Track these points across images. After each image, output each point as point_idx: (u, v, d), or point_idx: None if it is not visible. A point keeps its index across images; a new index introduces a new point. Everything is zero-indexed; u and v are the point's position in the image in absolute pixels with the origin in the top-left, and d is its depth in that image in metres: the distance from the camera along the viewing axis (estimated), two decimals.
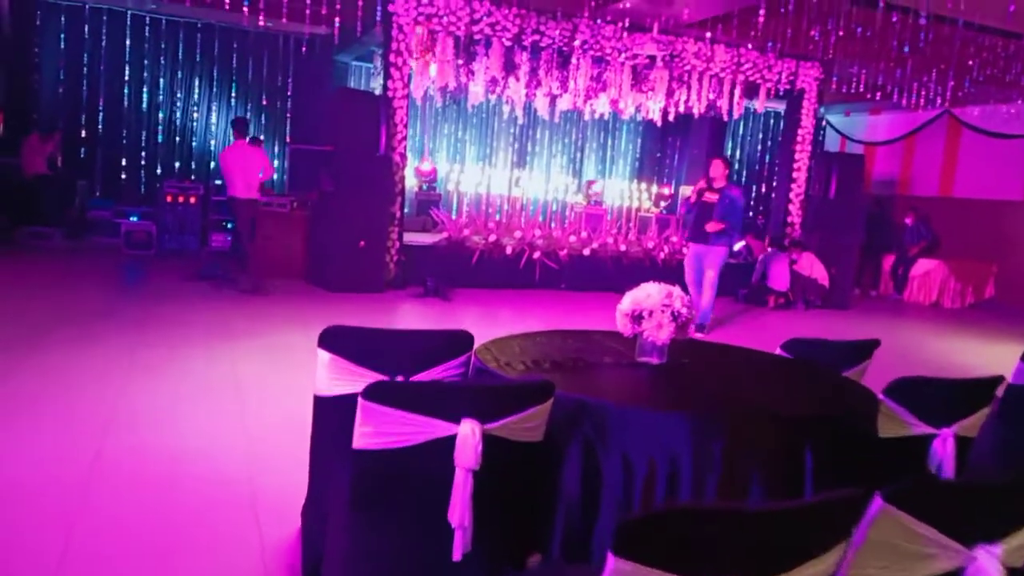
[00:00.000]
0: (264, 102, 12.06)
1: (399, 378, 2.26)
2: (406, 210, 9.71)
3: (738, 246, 10.70)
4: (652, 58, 9.93)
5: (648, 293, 2.34)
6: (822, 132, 15.43)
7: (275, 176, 10.66)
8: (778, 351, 2.87)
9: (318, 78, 11.81)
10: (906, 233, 12.95)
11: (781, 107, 14.38)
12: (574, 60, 9.84)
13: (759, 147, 15.69)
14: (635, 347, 2.49)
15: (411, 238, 9.48)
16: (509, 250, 9.62)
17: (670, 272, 10.56)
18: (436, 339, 2.36)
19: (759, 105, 10.80)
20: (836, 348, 2.84)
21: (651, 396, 2.32)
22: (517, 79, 9.89)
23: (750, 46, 9.97)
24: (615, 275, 10.26)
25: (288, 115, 12.14)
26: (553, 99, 11.66)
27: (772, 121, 15.54)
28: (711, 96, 10.60)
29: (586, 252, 10.07)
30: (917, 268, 12.74)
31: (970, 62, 10.11)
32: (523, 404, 1.83)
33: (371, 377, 2.25)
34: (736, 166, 15.12)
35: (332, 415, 2.28)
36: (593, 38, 9.73)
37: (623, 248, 10.30)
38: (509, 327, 7.74)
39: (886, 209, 13.62)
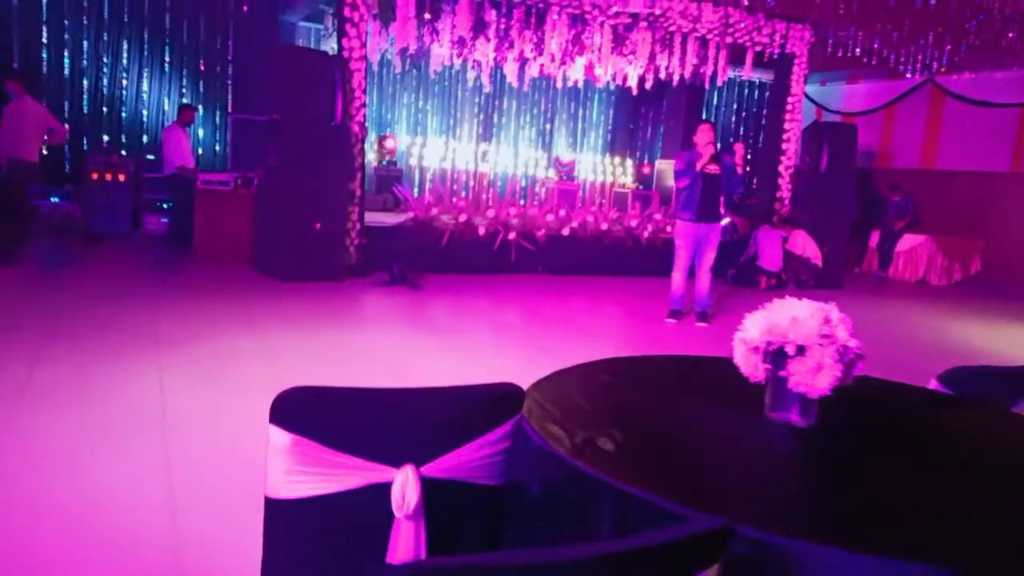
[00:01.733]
0: (202, 67, 10.83)
1: (408, 467, 1.38)
2: (365, 187, 8.71)
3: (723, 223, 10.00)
4: (634, 17, 9.04)
5: (794, 316, 1.48)
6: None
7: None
8: (934, 384, 2.05)
9: (262, 40, 10.60)
10: (891, 208, 12.42)
11: (760, 77, 13.71)
12: (549, 19, 8.90)
13: (733, 118, 14.98)
14: (762, 394, 1.63)
15: (372, 219, 8.49)
16: (482, 231, 8.71)
17: (654, 253, 9.79)
18: (464, 400, 1.48)
19: (746, 71, 10.03)
20: (1011, 377, 2.03)
21: (817, 512, 1.36)
22: (487, 39, 8.91)
23: (739, 4, 9.16)
24: (596, 256, 9.47)
25: (229, 82, 10.93)
26: (523, 64, 10.72)
27: (747, 91, 14.84)
28: (694, 61, 9.78)
29: (565, 232, 9.22)
30: (902, 244, 12.24)
31: (967, 25, 9.49)
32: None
33: (362, 470, 1.37)
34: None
35: (296, 528, 1.39)
36: None
37: (604, 227, 9.47)
38: (490, 320, 6.93)
39: (869, 182, 13.07)
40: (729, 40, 9.44)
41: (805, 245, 9.71)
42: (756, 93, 14.94)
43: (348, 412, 1.42)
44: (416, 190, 11.75)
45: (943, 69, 9.83)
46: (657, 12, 8.97)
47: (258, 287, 7.09)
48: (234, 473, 2.99)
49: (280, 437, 1.39)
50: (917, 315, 8.67)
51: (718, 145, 6.74)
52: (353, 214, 7.91)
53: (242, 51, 10.77)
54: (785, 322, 1.48)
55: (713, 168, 6.59)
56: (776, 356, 1.51)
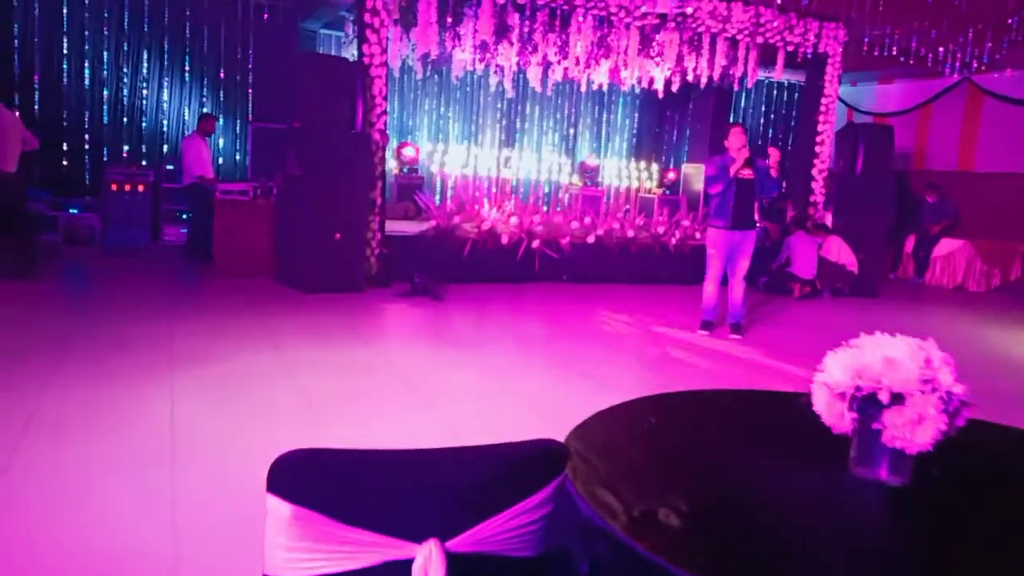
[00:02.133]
0: (222, 76, 10.73)
1: (431, 541, 1.16)
2: (386, 196, 8.52)
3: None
4: (662, 18, 8.78)
5: (888, 357, 1.23)
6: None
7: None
8: None
9: (282, 48, 10.51)
10: (927, 211, 12.01)
11: (790, 78, 13.36)
12: (574, 21, 8.67)
13: (762, 120, 14.63)
14: (847, 446, 1.37)
15: (393, 228, 8.30)
16: (505, 239, 8.48)
17: (683, 261, 9.50)
18: (496, 461, 1.24)
19: (777, 72, 9.71)
20: None
21: None
22: (510, 43, 8.70)
23: (771, 3, 8.87)
24: (622, 264, 9.20)
25: (249, 90, 10.82)
26: (546, 68, 10.50)
27: (776, 93, 14.49)
28: (723, 63, 9.50)
29: (590, 240, 8.97)
30: (939, 249, 11.81)
31: (1009, 20, 9.11)
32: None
33: (377, 546, 1.15)
34: None
35: None
36: None
37: (630, 234, 9.21)
38: (514, 334, 6.65)
39: (904, 185, 12.66)
40: (760, 40, 9.14)
41: (840, 251, 9.37)
42: (785, 95, 14.60)
43: (360, 478, 1.19)
44: (437, 198, 11.60)
45: (983, 67, 9.45)
46: (686, 12, 8.70)
47: (278, 299, 6.91)
48: (246, 521, 2.79)
49: (280, 508, 1.17)
50: (958, 324, 8.29)
51: (751, 149, 6.46)
52: (374, 223, 7.73)
53: (262, 59, 10.67)
54: (878, 364, 1.23)
55: (747, 173, 6.31)
56: (866, 403, 1.26)
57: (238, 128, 10.85)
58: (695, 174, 12.82)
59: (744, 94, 13.73)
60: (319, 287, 7.17)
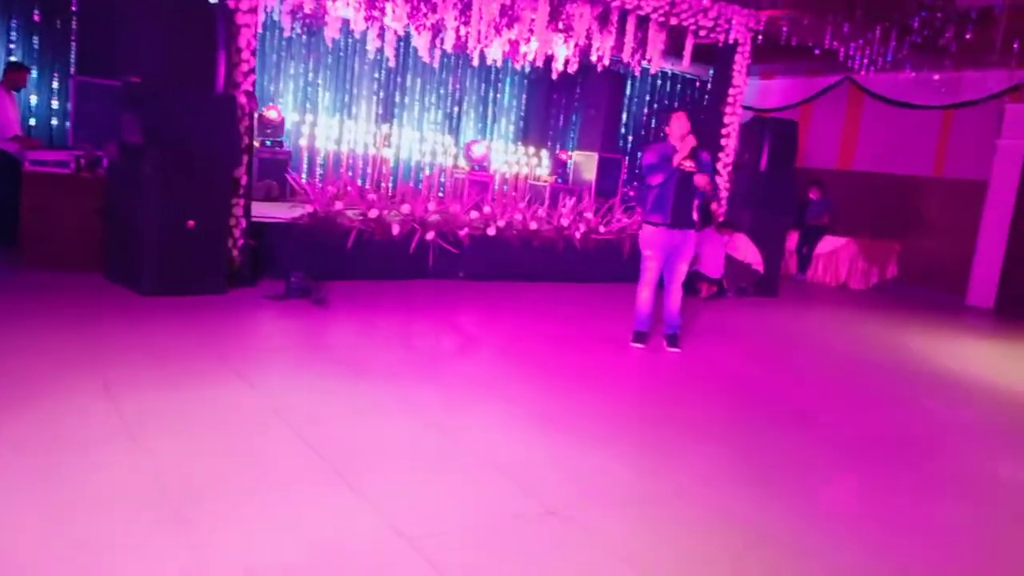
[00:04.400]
0: (36, 18, 8.66)
1: None
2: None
3: None
4: None
5: None
6: (706, 98, 14.18)
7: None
8: None
9: None
10: (810, 208, 11.97)
11: (684, 71, 12.92)
12: None
13: (645, 110, 14.15)
14: None
15: (260, 213, 6.85)
16: (396, 230, 7.27)
17: (588, 257, 8.70)
18: None
19: (684, 61, 9.07)
20: None
21: None
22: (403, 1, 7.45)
23: None
24: (523, 260, 8.26)
25: (73, 38, 8.81)
26: (435, 35, 9.32)
27: (659, 82, 14.04)
28: (632, 44, 8.73)
29: (491, 232, 7.93)
30: (823, 246, 11.82)
31: (914, 22, 8.99)
32: None
33: None
34: (623, 131, 13.50)
35: None
36: None
37: (533, 227, 8.26)
38: (427, 352, 5.18)
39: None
40: (674, 21, 8.43)
41: (747, 250, 8.92)
42: (668, 86, 14.22)
43: None
44: (305, 176, 10.12)
45: (887, 66, 9.28)
46: None
47: (108, 304, 5.35)
48: None
49: None
50: (870, 324, 8.02)
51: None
52: (237, 207, 6.28)
53: None
54: None
55: (690, 165, 5.51)
56: None
57: (56, 82, 8.83)
58: (585, 162, 12.10)
59: (632, 83, 13.14)
60: (165, 288, 5.67)
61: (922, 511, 3.31)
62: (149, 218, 5.66)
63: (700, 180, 5.43)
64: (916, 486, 3.60)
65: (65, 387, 3.57)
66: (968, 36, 8.97)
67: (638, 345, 5.75)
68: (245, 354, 4.59)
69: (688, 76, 13.72)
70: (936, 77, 10.32)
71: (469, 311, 6.60)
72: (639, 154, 13.67)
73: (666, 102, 14.12)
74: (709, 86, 10.96)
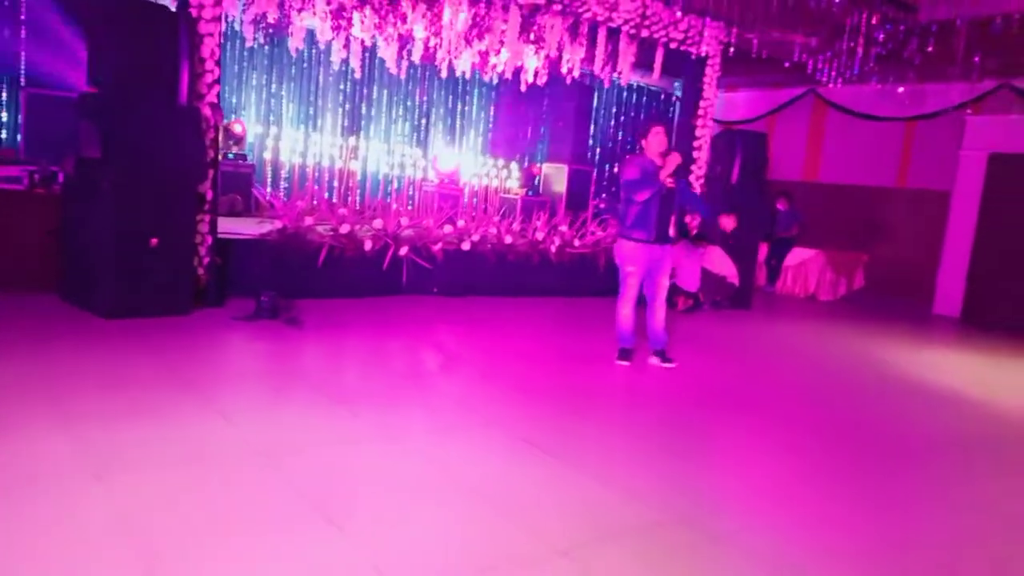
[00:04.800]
0: None
1: None
2: None
3: None
4: None
5: None
6: (671, 110, 14.23)
7: None
8: None
9: None
10: (779, 219, 12.02)
11: (648, 83, 12.94)
12: None
13: (612, 123, 14.12)
14: None
15: (226, 229, 6.56)
16: (368, 245, 7.04)
17: (563, 271, 8.57)
18: None
19: (655, 72, 9.03)
20: None
21: None
22: (373, 9, 7.25)
23: None
24: (498, 275, 8.09)
25: (21, 47, 8.42)
26: (403, 47, 9.15)
27: (625, 95, 14.03)
28: (602, 56, 8.65)
29: (465, 246, 7.75)
30: (792, 258, 11.87)
31: (879, 35, 9.10)
32: None
33: None
34: (591, 142, 13.44)
35: None
36: None
37: (508, 241, 8.10)
38: (410, 375, 4.90)
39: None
40: (645, 33, 8.38)
41: (722, 263, 8.87)
42: (635, 97, 14.21)
43: None
44: (269, 190, 9.83)
45: (853, 79, 9.37)
46: None
47: (65, 328, 5.03)
48: None
49: None
50: (847, 336, 8.00)
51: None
52: (203, 224, 5.99)
53: (40, 2, 8.31)
54: None
55: (671, 181, 5.42)
56: None
57: (5, 93, 8.42)
58: (555, 174, 12.00)
59: (598, 94, 13.10)
60: (126, 310, 5.36)
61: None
62: (108, 236, 5.35)
63: (727, 223, 5.37)
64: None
65: (21, 424, 3.28)
66: (930, 49, 9.11)
67: (623, 363, 5.60)
68: (215, 381, 4.32)
69: (653, 88, 13.74)
70: (900, 89, 10.48)
71: (446, 329, 6.39)
72: (616, 168, 13.67)
73: (632, 114, 14.12)
74: (676, 98, 10.96)
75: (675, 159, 5.30)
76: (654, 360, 5.68)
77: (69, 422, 3.35)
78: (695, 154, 9.31)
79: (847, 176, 12.48)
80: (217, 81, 6.00)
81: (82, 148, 5.57)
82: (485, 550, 2.62)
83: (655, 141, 5.48)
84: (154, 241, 5.46)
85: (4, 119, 8.44)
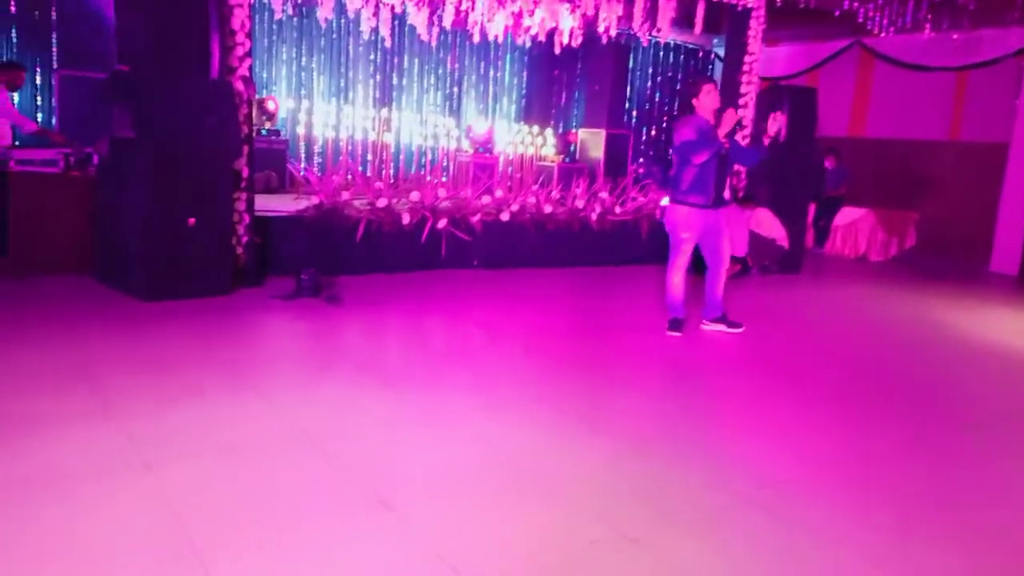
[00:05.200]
0: (12, 9, 8.21)
1: None
2: None
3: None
4: None
5: None
6: (710, 67, 13.76)
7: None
8: None
9: None
10: (828, 177, 11.57)
11: (686, 40, 12.53)
12: None
13: (649, 83, 13.71)
14: None
15: (262, 207, 6.44)
16: (406, 219, 6.89)
17: (605, 240, 8.33)
18: None
19: (697, 28, 8.66)
20: None
21: None
22: None
23: None
24: (539, 245, 7.89)
25: (53, 29, 8.36)
26: (433, 12, 8.89)
27: (663, 54, 13.59)
28: (641, 13, 8.32)
29: (504, 217, 7.55)
30: (841, 218, 11.46)
31: None
32: None
33: None
34: (627, 105, 13.06)
35: None
36: None
37: (548, 210, 7.89)
38: (459, 354, 4.76)
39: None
40: None
41: (771, 225, 8.55)
42: (672, 57, 13.77)
43: None
44: (303, 166, 9.71)
45: (907, 27, 8.89)
46: None
47: (103, 312, 4.98)
48: None
49: None
50: (909, 299, 7.67)
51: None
52: (240, 202, 5.89)
53: None
54: None
55: (725, 140, 5.17)
56: None
57: (39, 78, 8.39)
58: (591, 140, 11.71)
59: (634, 55, 12.70)
60: (164, 291, 5.29)
61: None
62: (145, 217, 5.27)
63: (773, 126, 5.24)
64: None
65: (57, 411, 3.21)
66: None
67: (675, 333, 5.39)
68: (258, 363, 4.22)
69: (691, 46, 13.30)
70: (955, 37, 9.93)
71: (490, 304, 6.23)
72: (654, 132, 13.31)
73: (670, 74, 13.70)
74: (716, 56, 10.54)
75: (732, 116, 5.05)
76: (715, 327, 5.47)
77: (108, 409, 3.27)
78: (740, 112, 8.92)
79: (896, 131, 11.95)
80: (248, 54, 5.85)
81: (115, 128, 5.48)
82: (549, 536, 2.47)
83: (707, 99, 5.22)
84: (192, 221, 5.37)
85: (39, 103, 8.43)
